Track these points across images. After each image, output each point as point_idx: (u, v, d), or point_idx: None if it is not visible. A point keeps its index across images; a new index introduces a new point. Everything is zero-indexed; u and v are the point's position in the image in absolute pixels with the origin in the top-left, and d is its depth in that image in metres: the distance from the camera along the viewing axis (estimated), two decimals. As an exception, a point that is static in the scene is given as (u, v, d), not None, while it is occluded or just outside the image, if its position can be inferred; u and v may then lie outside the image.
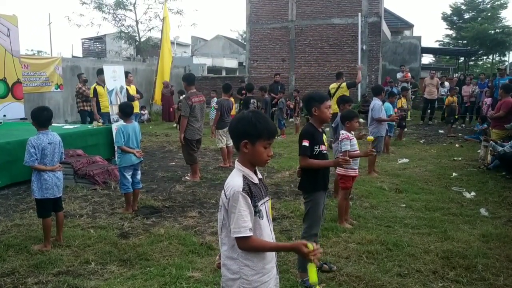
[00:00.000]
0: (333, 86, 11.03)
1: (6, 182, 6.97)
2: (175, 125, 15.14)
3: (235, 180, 2.22)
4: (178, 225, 5.43)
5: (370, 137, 6.13)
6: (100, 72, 10.27)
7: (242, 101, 12.88)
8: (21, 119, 10.67)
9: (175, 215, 5.86)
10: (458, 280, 3.95)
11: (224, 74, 31.49)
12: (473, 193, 6.79)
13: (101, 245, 4.74)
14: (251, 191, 2.21)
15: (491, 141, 8.56)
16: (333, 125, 6.99)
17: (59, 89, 14.74)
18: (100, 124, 9.47)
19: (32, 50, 34.22)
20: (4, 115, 10.39)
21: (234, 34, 55.09)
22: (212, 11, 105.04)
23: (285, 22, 20.55)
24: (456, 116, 14.41)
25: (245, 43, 26.37)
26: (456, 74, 28.45)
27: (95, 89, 10.19)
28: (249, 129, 2.22)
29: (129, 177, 5.91)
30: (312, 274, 2.14)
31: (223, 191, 2.25)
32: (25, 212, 5.91)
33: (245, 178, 2.23)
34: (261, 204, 2.27)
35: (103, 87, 10.08)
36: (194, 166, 7.83)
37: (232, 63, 36.24)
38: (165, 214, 5.93)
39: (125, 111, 6.01)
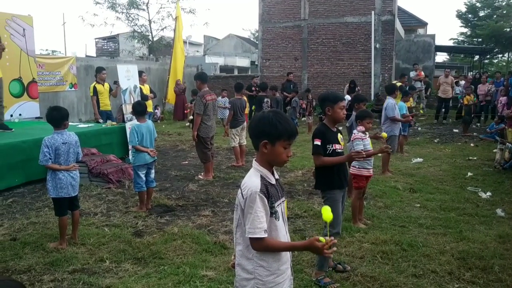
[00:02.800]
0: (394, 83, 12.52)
1: (22, 180, 7.06)
2: (187, 124, 15.19)
3: (252, 180, 2.20)
4: (191, 224, 5.44)
5: (384, 133, 6.01)
6: (99, 70, 10.16)
7: (254, 100, 12.91)
8: (36, 118, 10.80)
9: (189, 214, 5.88)
10: (475, 281, 3.91)
11: (236, 73, 31.52)
12: (489, 193, 6.70)
13: (115, 243, 4.78)
14: (268, 192, 2.19)
15: (507, 143, 8.44)
16: (347, 124, 6.94)
17: (73, 89, 14.90)
18: (114, 123, 9.53)
19: (46, 49, 34.72)
20: (20, 114, 10.53)
21: (246, 33, 55.24)
22: (225, 10, 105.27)
23: (298, 21, 20.47)
24: (472, 115, 14.20)
25: (257, 42, 26.34)
26: (471, 73, 28.10)
27: (94, 87, 9.92)
28: (269, 129, 2.20)
29: (143, 176, 5.95)
30: (326, 213, 2.19)
31: (239, 191, 2.23)
32: (41, 210, 5.98)
33: (262, 178, 2.21)
34: (278, 205, 2.25)
35: (103, 85, 10.05)
36: (207, 165, 7.85)
37: (244, 62, 36.29)
38: (179, 212, 5.96)
39: (136, 110, 6.05)
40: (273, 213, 2.20)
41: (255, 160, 2.30)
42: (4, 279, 1.37)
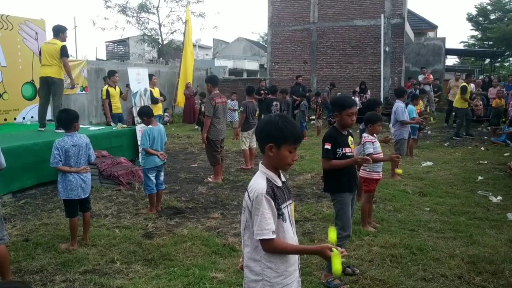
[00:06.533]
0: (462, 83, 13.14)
1: (34, 182, 7.13)
2: (196, 127, 15.25)
3: (259, 183, 2.23)
4: (201, 226, 5.47)
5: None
6: (112, 73, 10.20)
7: (263, 103, 12.94)
8: (48, 120, 10.89)
9: (198, 216, 5.91)
10: (485, 285, 3.88)
11: (245, 76, 31.57)
12: (499, 197, 6.65)
13: (126, 245, 4.82)
14: (275, 194, 2.21)
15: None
16: (360, 127, 6.94)
17: (84, 91, 15.03)
18: (124, 126, 9.60)
19: (58, 53, 34.90)
20: (32, 117, 10.66)
21: (255, 37, 55.46)
22: (234, 14, 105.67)
23: (307, 24, 20.50)
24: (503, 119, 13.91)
25: (266, 45, 26.40)
26: (481, 76, 27.91)
27: (107, 91, 9.95)
28: (275, 133, 2.22)
29: (152, 178, 6.00)
30: (336, 263, 2.12)
31: (246, 193, 2.26)
32: (53, 211, 6.05)
33: (268, 181, 2.24)
34: (284, 207, 2.27)
35: (115, 88, 10.10)
36: (216, 168, 7.89)
37: (253, 65, 36.31)
38: (188, 215, 5.99)
39: (139, 116, 6.30)
40: (279, 215, 2.22)
41: (261, 163, 2.33)
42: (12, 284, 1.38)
